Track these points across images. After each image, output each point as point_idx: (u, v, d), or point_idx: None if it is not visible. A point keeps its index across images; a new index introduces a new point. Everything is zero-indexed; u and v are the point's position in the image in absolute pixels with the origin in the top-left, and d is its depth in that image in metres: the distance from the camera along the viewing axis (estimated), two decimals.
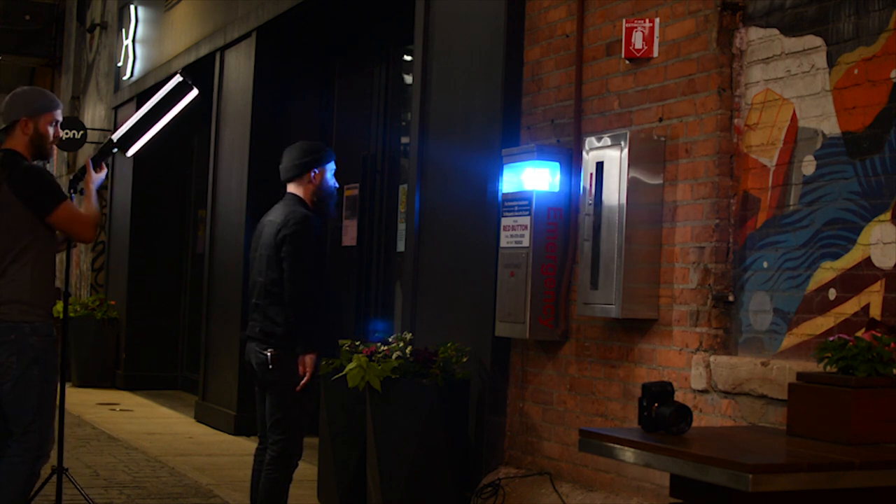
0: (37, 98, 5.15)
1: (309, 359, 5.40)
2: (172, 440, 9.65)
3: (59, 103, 5.20)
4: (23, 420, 4.93)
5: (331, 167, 5.66)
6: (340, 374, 6.30)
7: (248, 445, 9.41)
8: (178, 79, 6.05)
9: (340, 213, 9.68)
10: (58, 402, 6.04)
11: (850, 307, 4.54)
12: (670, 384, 4.02)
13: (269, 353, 5.43)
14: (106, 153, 5.72)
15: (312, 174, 5.58)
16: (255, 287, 5.59)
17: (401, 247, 8.42)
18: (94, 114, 17.07)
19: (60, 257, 5.78)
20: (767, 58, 5.04)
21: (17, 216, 4.94)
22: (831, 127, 4.70)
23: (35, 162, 5.15)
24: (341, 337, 6.75)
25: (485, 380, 6.54)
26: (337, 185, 5.73)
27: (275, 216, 5.57)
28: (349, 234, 9.71)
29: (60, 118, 5.24)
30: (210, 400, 10.82)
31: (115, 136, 5.77)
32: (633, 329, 5.59)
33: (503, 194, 6.31)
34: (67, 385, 6.23)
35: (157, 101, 5.80)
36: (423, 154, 7.37)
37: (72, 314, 13.39)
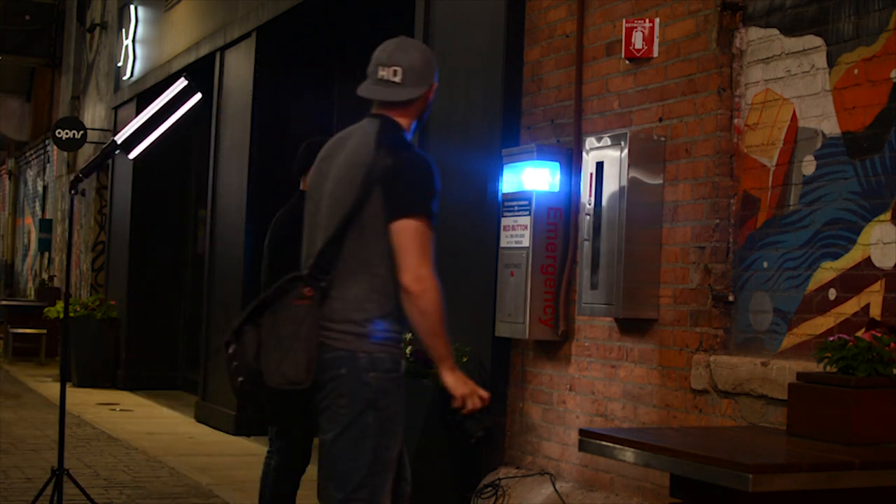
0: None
1: None
2: (172, 440, 9.65)
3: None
4: (349, 482, 3.58)
5: None
6: None
7: (248, 445, 9.42)
8: (183, 82, 6.04)
9: None
10: (59, 403, 6.05)
11: (850, 307, 4.54)
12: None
13: None
14: (108, 154, 5.70)
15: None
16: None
17: None
18: (94, 114, 17.08)
19: (61, 257, 5.75)
20: (767, 58, 5.04)
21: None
22: (831, 127, 4.70)
23: None
24: None
25: (485, 380, 6.54)
26: None
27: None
28: None
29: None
30: (210, 400, 10.82)
31: (119, 138, 5.73)
32: (633, 329, 5.59)
33: (503, 194, 6.31)
34: (67, 385, 6.22)
35: (163, 103, 5.79)
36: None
37: (72, 314, 13.40)
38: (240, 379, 3.50)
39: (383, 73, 3.66)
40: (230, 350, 3.52)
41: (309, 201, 3.71)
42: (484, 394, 3.60)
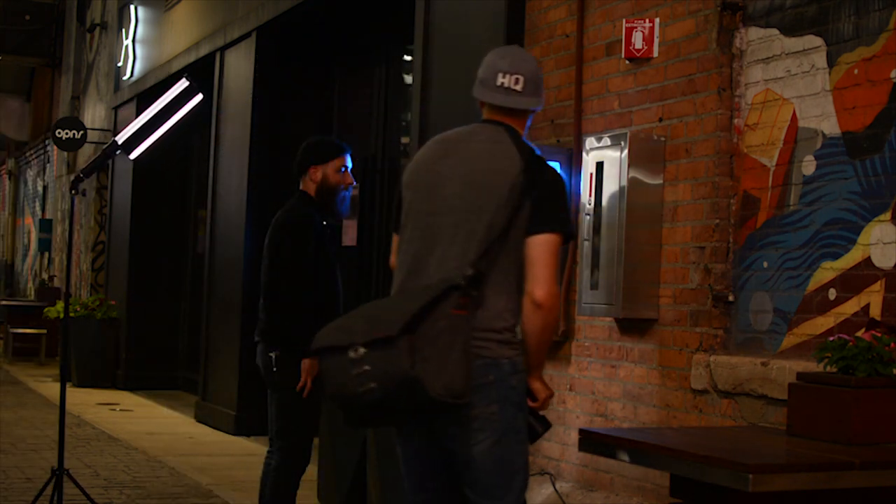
0: None
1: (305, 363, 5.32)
2: (172, 440, 9.65)
3: None
4: (512, 488, 3.53)
5: (336, 164, 5.47)
6: None
7: (248, 445, 9.42)
8: (184, 82, 6.02)
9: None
10: (59, 403, 6.05)
11: (850, 307, 4.54)
12: None
13: (273, 356, 5.36)
14: (109, 155, 5.68)
15: (311, 172, 5.47)
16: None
17: None
18: (94, 114, 17.08)
19: (61, 257, 5.75)
20: (767, 58, 5.04)
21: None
22: (831, 127, 4.70)
23: None
24: None
25: None
26: (350, 182, 5.48)
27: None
28: (349, 234, 9.71)
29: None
30: (210, 400, 10.83)
31: (119, 139, 5.71)
32: (633, 329, 5.59)
33: None
34: (67, 385, 6.21)
35: (164, 103, 5.80)
36: None
37: (72, 314, 13.39)
38: (372, 385, 3.31)
39: (504, 80, 3.66)
40: (353, 354, 3.32)
41: (418, 201, 3.61)
42: (553, 393, 3.72)
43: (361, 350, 3.32)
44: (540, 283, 3.45)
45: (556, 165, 6.02)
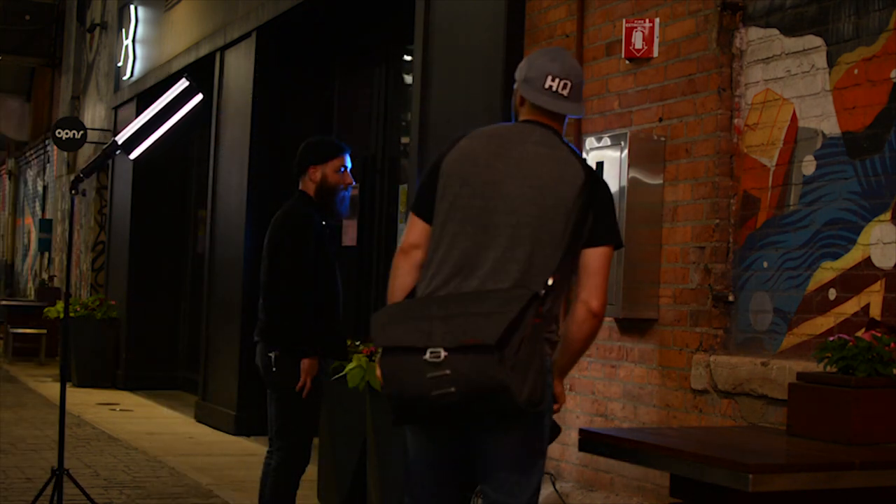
0: None
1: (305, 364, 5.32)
2: (172, 440, 9.65)
3: None
4: (529, 487, 3.55)
5: (335, 164, 5.47)
6: (340, 375, 6.29)
7: (248, 445, 9.42)
8: (184, 82, 6.01)
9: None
10: (59, 403, 6.06)
11: (850, 307, 4.54)
12: None
13: (272, 356, 5.36)
14: (109, 155, 5.68)
15: (311, 172, 5.47)
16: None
17: None
18: (94, 114, 17.08)
19: (61, 257, 5.75)
20: (767, 58, 5.04)
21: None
22: (831, 127, 4.70)
23: None
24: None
25: None
26: (349, 182, 5.48)
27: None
28: (349, 234, 9.71)
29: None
30: (210, 400, 10.83)
31: (119, 139, 5.71)
32: (633, 329, 5.59)
33: None
34: (67, 385, 6.21)
35: (164, 104, 5.81)
36: (423, 154, 7.38)
37: (72, 314, 13.39)
38: (451, 389, 3.23)
39: (552, 83, 3.62)
40: (432, 357, 3.23)
41: (469, 195, 3.51)
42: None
43: (443, 353, 3.24)
44: (597, 293, 3.48)
45: None
